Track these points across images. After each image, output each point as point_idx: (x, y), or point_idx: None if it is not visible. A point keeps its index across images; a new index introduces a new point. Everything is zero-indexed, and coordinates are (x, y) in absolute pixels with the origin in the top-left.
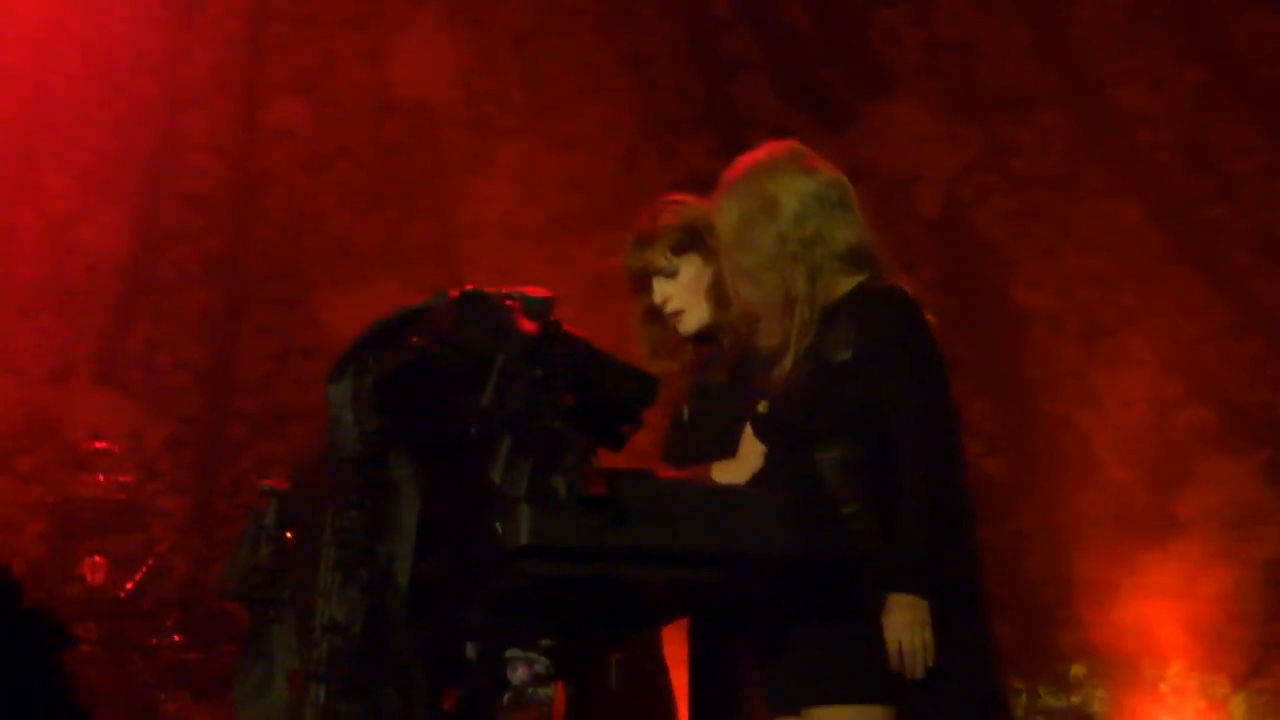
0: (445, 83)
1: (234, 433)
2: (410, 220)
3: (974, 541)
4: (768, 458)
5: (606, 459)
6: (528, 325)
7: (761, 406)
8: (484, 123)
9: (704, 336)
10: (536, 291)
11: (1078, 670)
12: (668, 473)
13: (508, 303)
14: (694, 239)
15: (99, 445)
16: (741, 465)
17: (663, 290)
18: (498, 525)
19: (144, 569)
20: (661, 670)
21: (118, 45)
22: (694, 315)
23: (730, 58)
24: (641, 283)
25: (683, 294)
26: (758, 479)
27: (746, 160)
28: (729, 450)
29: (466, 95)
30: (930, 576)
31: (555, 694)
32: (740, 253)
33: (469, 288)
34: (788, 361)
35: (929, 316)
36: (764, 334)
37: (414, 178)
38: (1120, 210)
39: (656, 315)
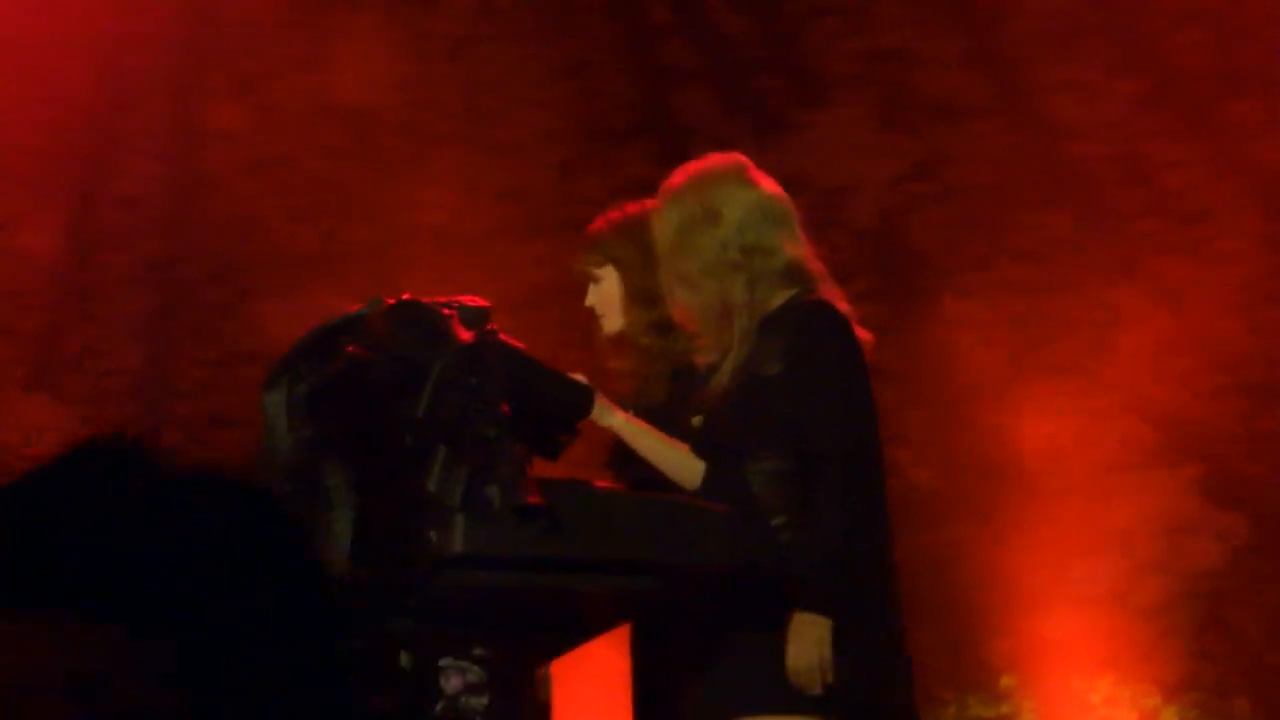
0: (384, 89)
1: (170, 439)
2: (348, 226)
3: (890, 554)
4: (707, 469)
5: (542, 468)
6: (464, 334)
7: (696, 420)
8: (422, 129)
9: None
10: (473, 300)
11: (1008, 680)
12: (605, 480)
13: (444, 311)
14: (616, 247)
15: (32, 451)
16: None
17: (590, 295)
18: (432, 534)
19: None
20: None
21: (54, 48)
22: (610, 322)
23: (669, 66)
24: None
25: (602, 301)
26: (699, 491)
27: (690, 168)
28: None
29: (405, 101)
30: (835, 595)
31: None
32: (680, 259)
33: (405, 296)
34: (726, 372)
35: (863, 333)
36: (703, 346)
37: (352, 184)
38: (1053, 221)
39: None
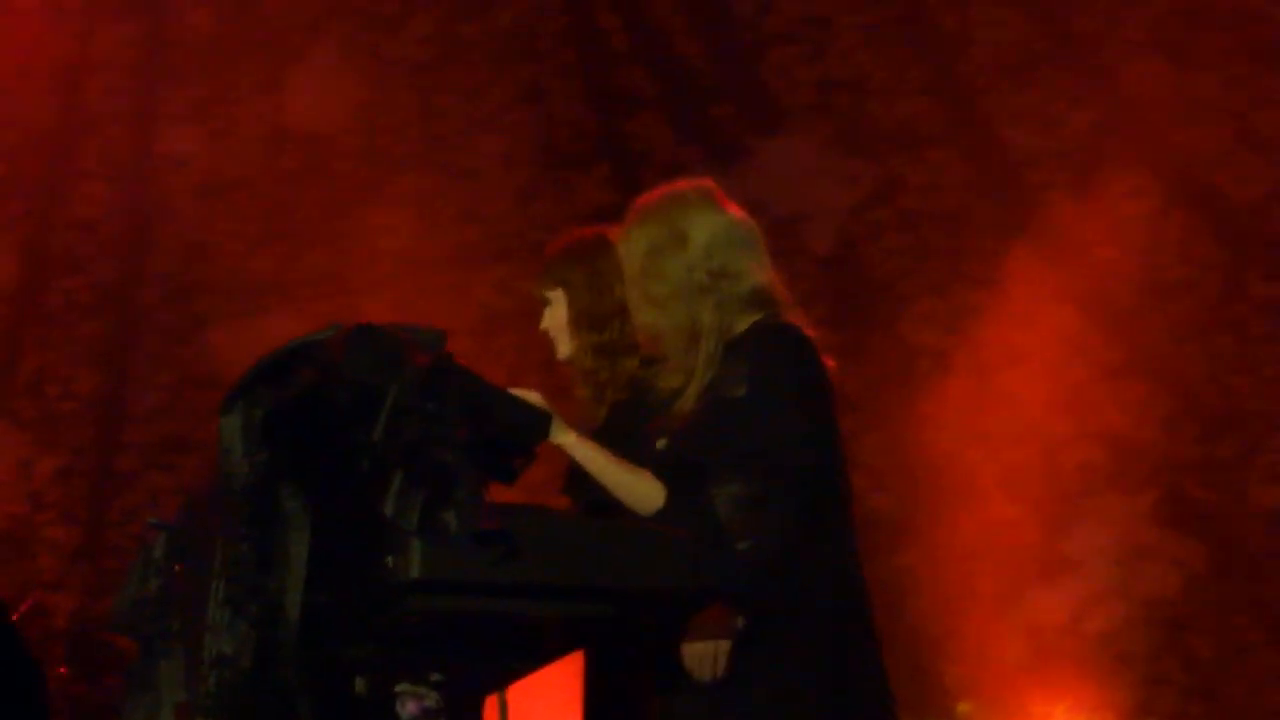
0: (341, 114)
1: (125, 464)
2: (305, 251)
3: (856, 569)
4: (669, 493)
5: (499, 493)
6: (420, 359)
7: (660, 443)
8: (380, 154)
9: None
10: (429, 326)
11: (964, 707)
12: (564, 504)
13: (400, 336)
14: (564, 270)
15: None
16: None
17: (545, 318)
18: (389, 559)
19: (30, 600)
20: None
21: (10, 73)
22: (561, 345)
23: (625, 93)
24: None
25: (553, 324)
26: (661, 514)
27: (657, 193)
28: None
29: (362, 127)
30: (752, 597)
31: None
32: (647, 282)
33: (361, 321)
34: (690, 396)
35: (827, 359)
36: (668, 369)
37: (309, 209)
38: (1010, 249)
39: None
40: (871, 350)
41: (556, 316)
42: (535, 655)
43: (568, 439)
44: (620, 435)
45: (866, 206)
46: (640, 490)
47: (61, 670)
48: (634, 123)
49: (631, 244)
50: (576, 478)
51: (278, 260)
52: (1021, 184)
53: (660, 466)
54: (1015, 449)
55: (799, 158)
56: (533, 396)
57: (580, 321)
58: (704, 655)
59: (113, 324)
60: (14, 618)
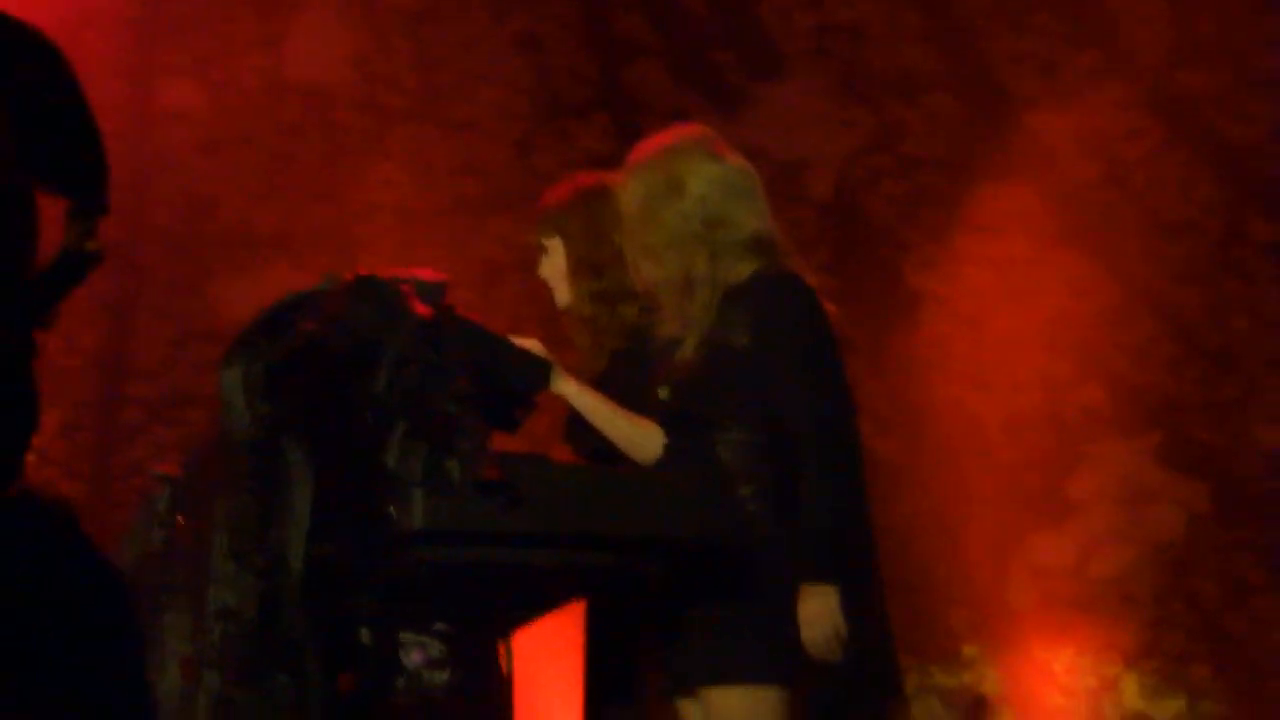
0: (339, 66)
1: (129, 418)
2: (306, 204)
3: (870, 522)
4: (668, 442)
5: (502, 443)
6: (421, 309)
7: (662, 392)
8: (378, 106)
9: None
10: (431, 275)
11: (970, 650)
12: (565, 454)
13: (401, 287)
14: (561, 219)
15: None
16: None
17: (542, 266)
18: (392, 510)
19: None
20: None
21: None
22: (560, 295)
23: (624, 40)
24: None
25: (551, 273)
26: (663, 462)
27: (655, 141)
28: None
29: (361, 79)
30: (840, 563)
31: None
32: (644, 230)
33: (362, 272)
34: (690, 345)
35: (829, 306)
36: (665, 318)
37: (309, 162)
38: (1010, 193)
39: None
40: (872, 296)
41: (554, 264)
42: (538, 604)
43: (568, 388)
44: (621, 384)
45: (866, 152)
46: (641, 439)
47: None
48: (633, 71)
49: (628, 193)
50: (577, 427)
51: (278, 213)
52: (1021, 128)
53: (662, 415)
54: (1017, 393)
55: (798, 104)
56: (533, 346)
57: (578, 269)
58: (828, 639)
59: (115, 279)
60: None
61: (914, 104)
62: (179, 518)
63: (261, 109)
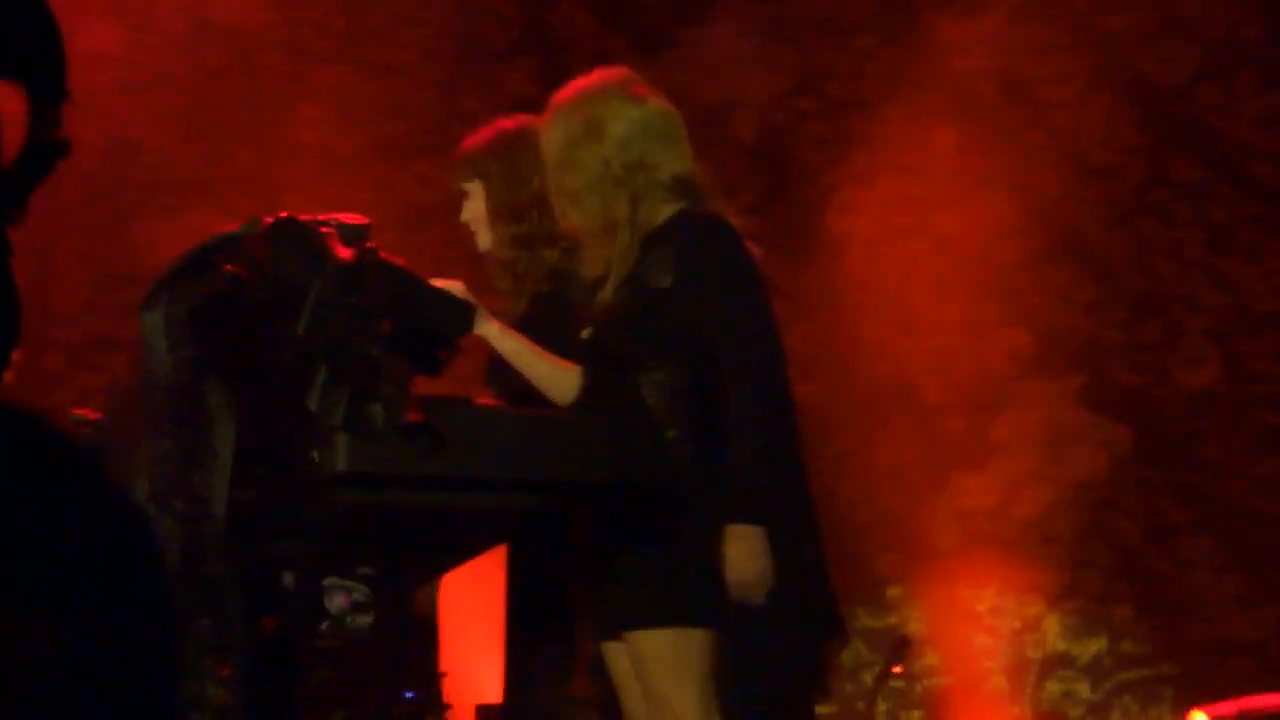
0: (262, 8)
1: (52, 363)
2: (228, 147)
3: (804, 464)
4: (591, 384)
5: (425, 386)
6: (343, 252)
7: (585, 333)
8: (302, 49)
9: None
10: (352, 218)
11: (895, 591)
12: (487, 397)
13: (322, 229)
14: (481, 163)
15: None
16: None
17: (465, 210)
18: (314, 453)
19: None
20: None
21: None
22: (481, 238)
23: None
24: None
25: (472, 217)
26: (586, 403)
27: (576, 84)
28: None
29: (284, 21)
30: (766, 505)
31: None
32: (564, 174)
33: (283, 215)
34: (611, 287)
35: (752, 246)
36: (587, 259)
37: (232, 104)
38: (935, 136)
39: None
40: (797, 238)
41: (475, 208)
42: (462, 548)
43: (491, 330)
44: (542, 326)
45: (791, 94)
46: (562, 381)
47: None
48: (558, 13)
49: (549, 137)
50: (498, 369)
51: (200, 156)
52: (945, 71)
53: (585, 356)
54: (942, 336)
55: (724, 46)
56: (457, 288)
57: (499, 213)
58: (754, 580)
59: (35, 222)
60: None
61: (839, 47)
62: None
63: (183, 51)
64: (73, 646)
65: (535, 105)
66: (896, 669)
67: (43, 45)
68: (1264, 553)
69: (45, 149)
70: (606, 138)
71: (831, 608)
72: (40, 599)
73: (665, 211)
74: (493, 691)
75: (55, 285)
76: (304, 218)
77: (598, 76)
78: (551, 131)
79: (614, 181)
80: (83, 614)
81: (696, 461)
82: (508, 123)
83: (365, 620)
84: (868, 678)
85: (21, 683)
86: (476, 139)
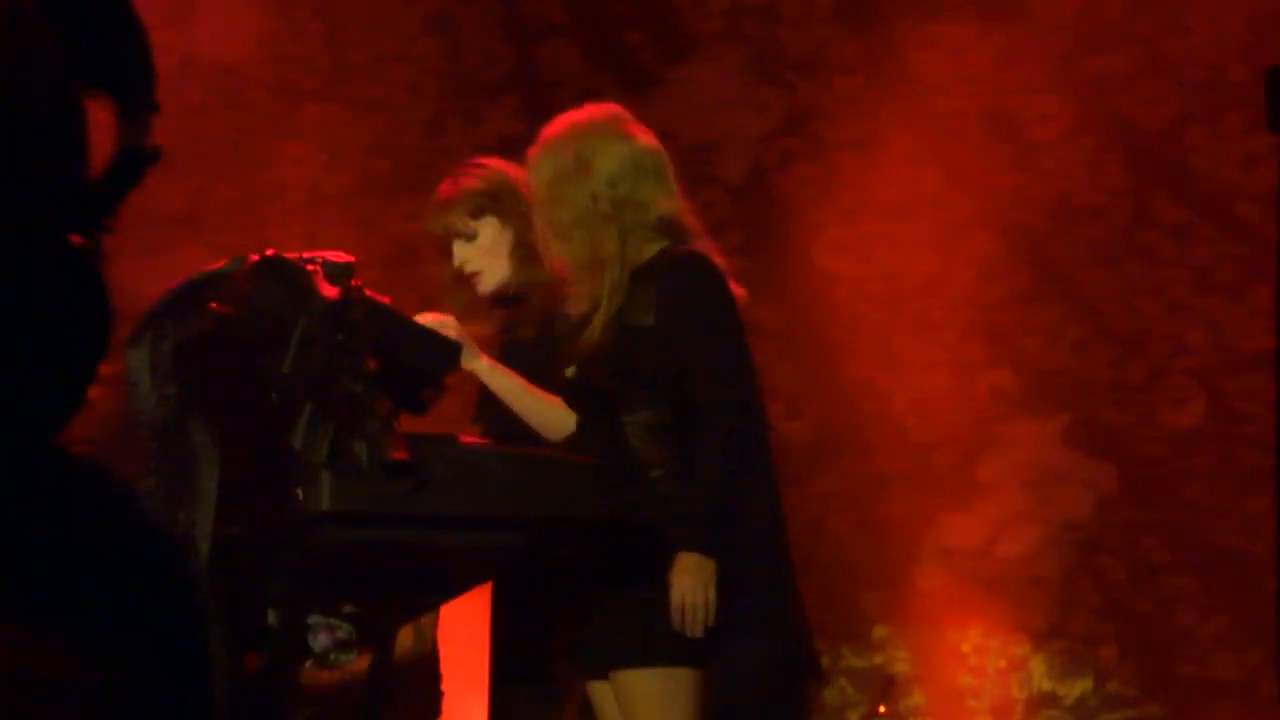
0: (249, 45)
1: None
2: (214, 183)
3: (777, 498)
4: (578, 423)
5: (411, 424)
6: (328, 290)
7: (569, 371)
8: (288, 86)
9: (509, 299)
10: (338, 256)
11: (880, 631)
12: (473, 436)
13: (308, 267)
14: (492, 201)
15: None
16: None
17: (461, 253)
18: (298, 491)
19: None
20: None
21: None
22: (491, 276)
23: (536, 21)
24: (445, 246)
25: (480, 257)
26: (571, 443)
27: (565, 119)
28: None
29: (270, 58)
30: (718, 535)
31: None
32: (552, 209)
33: (268, 252)
34: (597, 325)
35: (736, 287)
36: (575, 297)
37: (217, 141)
38: (921, 176)
39: (464, 277)
40: (784, 278)
41: (487, 246)
42: (447, 587)
43: (480, 366)
44: (531, 363)
45: (778, 134)
46: (552, 418)
47: None
48: (544, 51)
49: (537, 171)
50: (487, 406)
51: (187, 193)
52: (931, 111)
53: (569, 394)
54: (928, 375)
55: (711, 86)
56: (450, 323)
57: (520, 250)
58: (695, 608)
59: None
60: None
61: (825, 86)
62: None
63: (170, 88)
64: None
65: (521, 142)
66: (882, 709)
67: (132, 58)
68: (1250, 593)
69: (137, 158)
70: (595, 174)
71: (808, 647)
72: (75, 624)
73: (651, 249)
74: None
75: None
76: (289, 255)
77: (587, 112)
78: (540, 166)
79: (602, 218)
80: (120, 642)
81: (684, 494)
82: (492, 161)
83: (348, 658)
84: (854, 717)
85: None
86: (472, 180)
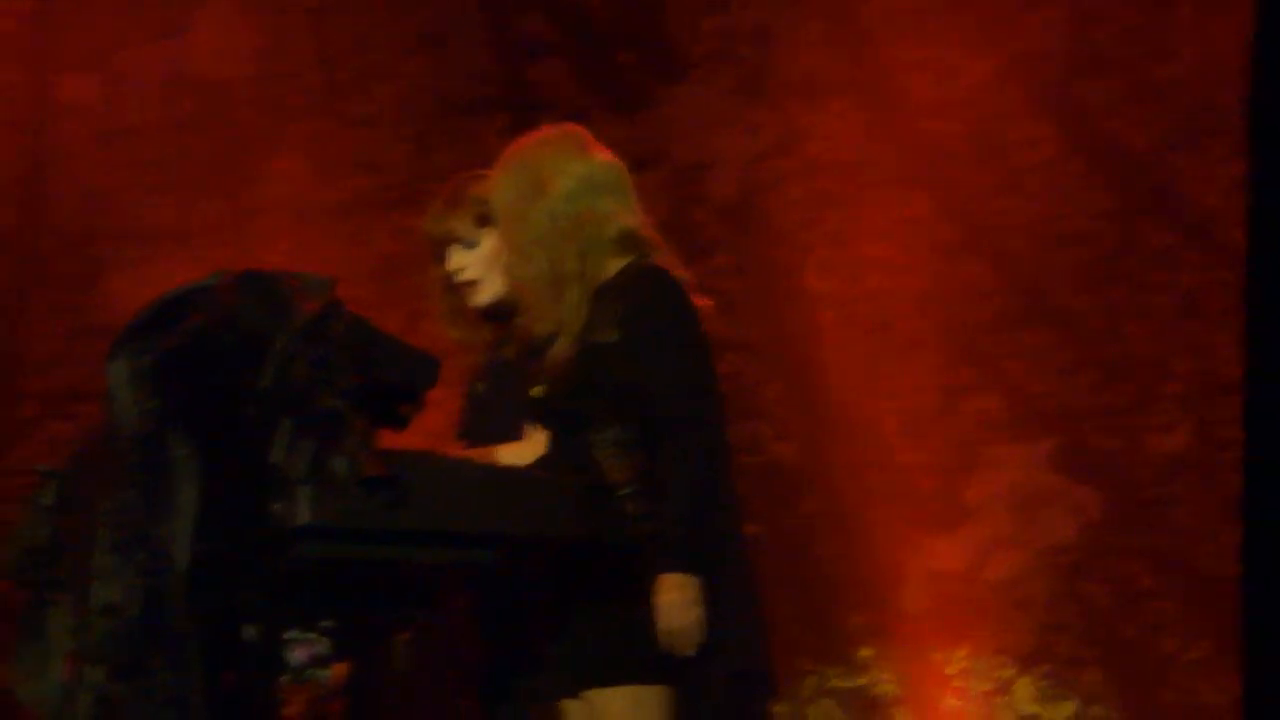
0: (238, 61)
1: (25, 412)
2: (203, 199)
3: (738, 512)
4: (549, 441)
5: (392, 439)
6: (308, 305)
7: (535, 390)
8: (277, 102)
9: (498, 314)
10: (320, 272)
11: (866, 653)
12: (459, 450)
13: (289, 283)
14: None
15: None
16: (527, 447)
17: (459, 259)
18: (277, 506)
19: None
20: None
21: None
22: (488, 288)
23: (526, 40)
24: (440, 250)
25: (479, 266)
26: (541, 462)
27: (524, 140)
28: (518, 427)
29: (259, 74)
30: (697, 553)
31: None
32: (512, 229)
33: (250, 267)
34: (562, 344)
35: (702, 300)
36: (536, 316)
37: (206, 156)
38: (909, 199)
39: (454, 285)
40: (774, 299)
41: (482, 257)
42: (425, 602)
43: None
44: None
45: (768, 155)
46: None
47: None
48: (535, 70)
49: (498, 192)
50: (473, 421)
51: (176, 207)
52: (920, 134)
53: (536, 414)
54: (915, 397)
55: (701, 106)
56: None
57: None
58: (685, 629)
59: (10, 272)
60: None
61: (816, 108)
62: (65, 513)
63: (159, 102)
64: None
65: None
66: None
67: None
68: (1233, 620)
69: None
70: (552, 192)
71: (770, 668)
72: None
73: (614, 265)
74: None
75: (29, 336)
76: (270, 270)
77: (544, 133)
78: (499, 187)
79: (562, 236)
80: None
81: (650, 517)
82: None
83: (325, 673)
84: None
85: None
86: (480, 188)
